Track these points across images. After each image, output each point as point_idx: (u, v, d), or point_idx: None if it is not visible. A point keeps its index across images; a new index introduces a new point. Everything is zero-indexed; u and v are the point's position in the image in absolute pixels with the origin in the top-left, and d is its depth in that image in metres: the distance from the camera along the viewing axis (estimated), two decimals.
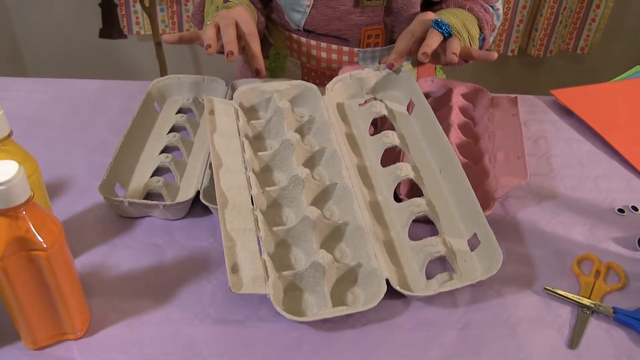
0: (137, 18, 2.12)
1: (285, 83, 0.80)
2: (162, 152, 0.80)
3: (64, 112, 0.92)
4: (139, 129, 0.82)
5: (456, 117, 0.83)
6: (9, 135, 0.58)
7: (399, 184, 0.72)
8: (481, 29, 0.90)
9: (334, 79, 0.82)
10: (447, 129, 0.80)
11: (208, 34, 0.78)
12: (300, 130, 0.77)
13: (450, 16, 0.86)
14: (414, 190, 0.73)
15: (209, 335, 0.59)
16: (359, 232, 0.65)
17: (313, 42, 0.97)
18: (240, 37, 0.82)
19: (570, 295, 0.64)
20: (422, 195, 0.71)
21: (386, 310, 0.61)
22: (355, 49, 0.97)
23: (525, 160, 0.78)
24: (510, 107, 0.92)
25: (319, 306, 0.60)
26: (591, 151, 0.89)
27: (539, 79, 2.32)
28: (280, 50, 1.02)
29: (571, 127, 0.94)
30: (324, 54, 0.98)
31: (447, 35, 0.80)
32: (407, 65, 0.99)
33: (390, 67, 0.82)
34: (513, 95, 0.95)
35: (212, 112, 0.75)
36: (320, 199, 0.71)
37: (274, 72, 1.04)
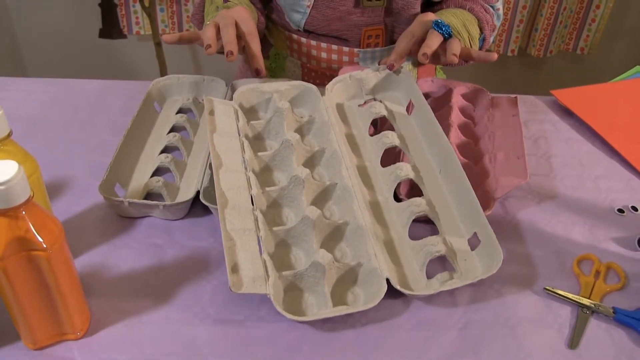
0: (137, 18, 2.12)
1: (285, 83, 0.80)
2: (162, 152, 0.80)
3: (64, 112, 0.92)
4: (139, 129, 0.82)
5: (456, 117, 0.83)
6: (9, 135, 0.58)
7: (399, 184, 0.72)
8: (481, 29, 0.90)
9: (334, 80, 0.82)
10: (447, 129, 0.80)
11: (208, 34, 0.78)
12: (300, 131, 0.77)
13: (450, 16, 0.86)
14: (414, 190, 0.73)
15: (209, 335, 0.59)
16: (359, 232, 0.65)
17: (313, 43, 0.97)
18: (240, 37, 0.82)
19: (570, 295, 0.64)
20: (422, 195, 0.71)
21: (386, 310, 0.61)
22: (356, 50, 0.97)
23: (525, 160, 0.78)
24: (510, 107, 0.92)
25: (319, 306, 0.60)
26: (591, 151, 0.89)
27: (539, 79, 2.32)
28: (280, 50, 1.02)
29: (571, 127, 0.94)
30: (324, 54, 0.98)
31: (447, 36, 0.80)
32: (407, 66, 0.99)
33: (391, 67, 0.82)
34: (513, 96, 0.95)
35: (212, 113, 0.75)
36: (320, 199, 0.71)
37: (274, 72, 1.04)
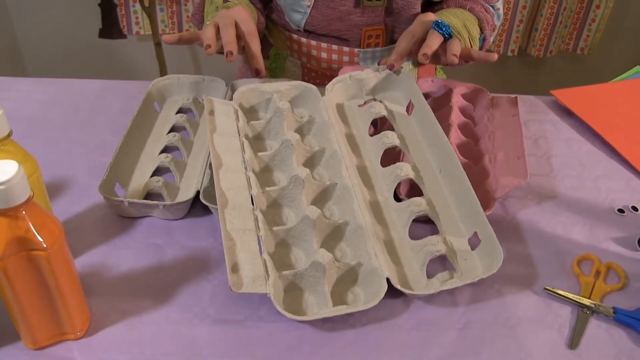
0: (136, 18, 2.12)
1: (285, 84, 0.80)
2: (162, 152, 0.80)
3: (64, 112, 0.92)
4: (138, 129, 0.82)
5: (456, 117, 0.83)
6: (9, 135, 0.58)
7: (399, 184, 0.72)
8: (482, 29, 0.90)
9: (334, 80, 0.82)
10: (447, 129, 0.80)
11: (207, 34, 0.78)
12: (300, 131, 0.77)
13: (450, 16, 0.86)
14: (414, 190, 0.74)
15: (209, 335, 0.59)
16: (359, 232, 0.65)
17: (313, 43, 0.97)
18: (239, 37, 0.82)
19: (570, 295, 0.64)
20: (422, 195, 0.71)
21: (386, 310, 0.61)
22: (356, 49, 0.97)
23: (525, 160, 0.78)
24: (510, 107, 0.92)
25: (319, 306, 0.60)
26: (591, 151, 0.89)
27: (539, 79, 2.32)
28: (280, 50, 1.02)
29: (571, 127, 0.94)
30: (324, 54, 0.98)
31: (448, 37, 0.80)
32: (407, 66, 0.99)
33: (391, 67, 0.82)
34: (513, 96, 0.95)
35: (212, 113, 0.75)
36: (320, 199, 0.71)
37: (274, 72, 1.04)
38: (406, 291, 0.60)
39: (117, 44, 2.22)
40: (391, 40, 0.98)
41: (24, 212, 0.48)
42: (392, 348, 0.58)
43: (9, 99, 0.94)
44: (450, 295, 0.64)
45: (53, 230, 0.50)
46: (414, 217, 0.68)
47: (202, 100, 0.91)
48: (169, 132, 0.83)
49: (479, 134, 0.84)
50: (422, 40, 0.81)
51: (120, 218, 0.72)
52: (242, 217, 0.64)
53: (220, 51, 0.79)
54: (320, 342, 0.58)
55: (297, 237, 0.66)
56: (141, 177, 0.76)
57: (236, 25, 0.81)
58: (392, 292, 0.60)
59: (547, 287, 0.65)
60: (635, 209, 0.77)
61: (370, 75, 0.83)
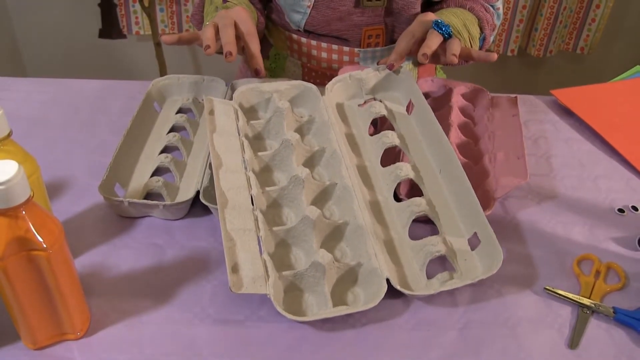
0: (136, 18, 2.12)
1: (284, 83, 0.80)
2: (162, 152, 0.80)
3: (64, 112, 0.92)
4: (138, 129, 0.82)
5: (456, 117, 0.83)
6: (9, 135, 0.58)
7: (399, 184, 0.72)
8: (482, 29, 0.90)
9: (334, 79, 0.82)
10: (447, 129, 0.80)
11: (207, 35, 0.78)
12: (300, 131, 0.77)
13: (450, 16, 0.86)
14: (414, 190, 0.73)
15: (209, 335, 0.59)
16: (359, 232, 0.65)
17: (313, 43, 0.97)
18: (239, 37, 0.82)
19: (570, 295, 0.64)
20: (422, 195, 0.71)
21: (386, 310, 0.61)
22: (356, 49, 0.97)
23: (525, 160, 0.78)
24: (510, 107, 0.92)
25: (319, 306, 0.60)
26: (591, 151, 0.89)
27: (539, 79, 2.32)
28: (280, 50, 1.02)
29: (571, 127, 0.94)
30: (324, 54, 0.98)
31: (447, 36, 0.80)
32: (407, 66, 0.99)
33: (391, 67, 0.82)
34: (513, 95, 0.95)
35: (211, 112, 0.75)
36: (320, 199, 0.71)
37: (274, 72, 1.04)
38: (406, 292, 0.60)
39: (117, 44, 2.22)
40: (391, 40, 0.98)
41: (24, 212, 0.48)
42: (392, 348, 0.58)
43: (8, 99, 0.94)
44: (450, 296, 0.64)
45: (53, 231, 0.50)
46: (414, 217, 0.68)
47: (202, 100, 0.91)
48: (169, 132, 0.83)
49: (479, 133, 0.84)
50: (421, 40, 0.81)
51: (120, 218, 0.72)
52: (242, 217, 0.64)
53: (220, 51, 0.79)
54: (320, 343, 0.58)
55: (297, 237, 0.66)
56: (141, 177, 0.76)
57: (235, 26, 0.81)
58: (392, 292, 0.60)
59: (547, 287, 0.65)
60: (635, 208, 0.77)
61: (370, 75, 0.83)
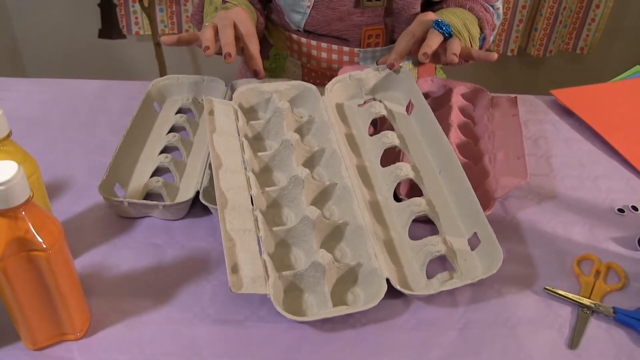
0: (136, 18, 2.12)
1: (284, 83, 0.80)
2: (162, 152, 0.80)
3: (64, 112, 0.92)
4: (138, 129, 0.82)
5: (456, 117, 0.83)
6: (9, 135, 0.58)
7: (398, 184, 0.72)
8: (482, 29, 0.90)
9: (334, 80, 0.82)
10: (446, 129, 0.80)
11: (206, 36, 0.78)
12: (300, 131, 0.77)
13: (450, 16, 0.86)
14: (413, 190, 0.73)
15: (209, 335, 0.59)
16: (359, 232, 0.65)
17: (313, 43, 0.97)
18: (238, 38, 0.81)
19: (570, 295, 0.64)
20: (422, 195, 0.71)
21: (386, 310, 0.61)
22: (356, 49, 0.96)
23: (525, 160, 0.78)
24: (510, 107, 0.92)
25: (319, 306, 0.60)
26: (591, 151, 0.89)
27: (539, 78, 2.32)
28: (280, 50, 1.02)
29: (571, 127, 0.94)
30: (324, 54, 0.98)
31: (448, 36, 0.80)
32: (407, 65, 0.99)
33: (391, 67, 0.82)
34: (513, 95, 0.95)
35: (211, 113, 0.75)
36: (320, 199, 0.71)
37: (274, 72, 1.04)
38: (406, 292, 0.60)
39: (116, 44, 2.22)
40: (391, 40, 0.98)
41: (23, 213, 0.48)
42: (392, 348, 0.58)
43: (8, 99, 0.94)
44: (450, 296, 0.64)
45: (53, 231, 0.50)
46: (413, 217, 0.68)
47: (202, 100, 0.91)
48: (169, 132, 0.83)
49: (479, 133, 0.84)
50: (422, 40, 0.81)
51: (120, 218, 0.72)
52: (242, 217, 0.64)
53: (219, 52, 0.79)
54: (320, 343, 0.58)
55: (297, 238, 0.66)
56: (141, 177, 0.76)
57: (235, 27, 0.81)
58: (392, 292, 0.60)
59: (547, 287, 0.65)
60: (635, 208, 0.77)
61: (370, 75, 0.83)
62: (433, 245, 0.64)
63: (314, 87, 0.80)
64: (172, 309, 0.61)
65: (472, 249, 0.66)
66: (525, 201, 0.78)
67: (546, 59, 2.24)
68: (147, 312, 0.60)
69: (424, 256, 0.64)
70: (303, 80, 1.00)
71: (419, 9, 0.94)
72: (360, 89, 0.83)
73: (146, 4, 2.02)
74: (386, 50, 0.97)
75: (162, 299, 0.62)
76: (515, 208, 0.76)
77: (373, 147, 0.76)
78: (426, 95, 0.90)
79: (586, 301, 0.63)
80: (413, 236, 0.67)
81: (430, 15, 0.83)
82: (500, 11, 0.97)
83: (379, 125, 0.85)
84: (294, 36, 0.98)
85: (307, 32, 0.97)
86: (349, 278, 0.63)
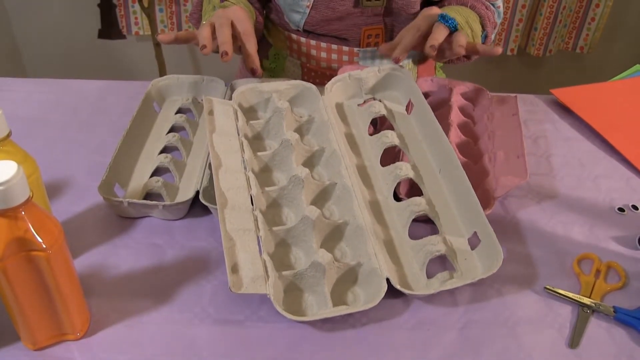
0: (136, 18, 2.12)
1: (284, 83, 0.80)
2: (162, 152, 0.80)
3: (63, 112, 0.91)
4: (138, 129, 0.82)
5: (456, 116, 0.83)
6: (8, 135, 0.58)
7: (398, 184, 0.72)
8: (483, 26, 0.90)
9: (333, 79, 0.82)
10: (446, 128, 0.79)
11: (203, 34, 0.78)
12: (300, 130, 0.77)
13: (453, 13, 0.85)
14: (413, 189, 0.73)
15: (209, 335, 0.59)
16: (359, 232, 0.65)
17: (313, 42, 0.97)
18: (236, 36, 0.81)
19: (570, 295, 0.64)
20: (422, 194, 0.71)
21: (386, 310, 0.61)
22: (355, 49, 0.96)
23: (525, 159, 0.78)
24: (510, 107, 0.91)
25: (319, 306, 0.60)
26: (591, 150, 0.89)
27: (539, 78, 2.32)
28: (280, 50, 1.02)
29: (571, 127, 0.94)
30: (323, 54, 0.98)
31: (453, 29, 0.80)
32: (407, 65, 0.99)
33: (396, 61, 0.82)
34: (513, 95, 0.95)
35: (211, 113, 0.75)
36: (320, 199, 0.71)
37: (274, 72, 1.04)
38: (406, 291, 0.60)
39: (116, 45, 2.22)
40: (391, 39, 0.98)
41: (23, 213, 0.48)
42: (392, 348, 0.58)
43: (8, 100, 0.94)
44: (450, 295, 0.64)
45: (52, 231, 0.50)
46: (413, 217, 0.68)
47: (202, 100, 0.91)
48: (169, 132, 0.83)
49: (479, 133, 0.84)
50: (427, 35, 0.81)
51: (120, 218, 0.72)
52: (242, 217, 0.64)
53: (217, 51, 0.79)
54: (320, 342, 0.58)
55: (297, 237, 0.66)
56: (140, 177, 0.76)
57: (232, 25, 0.81)
58: (392, 292, 0.60)
59: (547, 287, 0.65)
60: (635, 207, 0.77)
61: (370, 75, 0.83)
62: (433, 244, 0.64)
63: (313, 86, 0.80)
64: (172, 309, 0.61)
65: (472, 248, 0.66)
66: (525, 200, 0.77)
67: (546, 58, 2.24)
68: (147, 312, 0.60)
69: (424, 256, 0.64)
70: (303, 79, 1.00)
71: (418, 9, 0.94)
72: (360, 89, 0.83)
73: (146, 4, 2.02)
74: (381, 55, 0.97)
75: (162, 299, 0.62)
76: (515, 207, 0.76)
77: (373, 146, 0.76)
78: (426, 95, 0.90)
79: (586, 300, 0.63)
80: (413, 236, 0.67)
81: (435, 10, 0.83)
82: (501, 9, 0.97)
83: (378, 124, 0.85)
84: (294, 36, 0.98)
85: (307, 32, 0.97)
86: (349, 278, 0.63)
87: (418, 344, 0.58)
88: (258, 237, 0.63)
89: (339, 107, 0.82)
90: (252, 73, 0.83)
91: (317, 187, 0.70)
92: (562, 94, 1.00)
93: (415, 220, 0.68)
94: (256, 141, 0.77)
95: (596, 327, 0.61)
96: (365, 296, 0.62)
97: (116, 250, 0.67)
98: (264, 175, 0.74)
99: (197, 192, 0.71)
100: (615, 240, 0.72)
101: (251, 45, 0.83)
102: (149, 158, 0.79)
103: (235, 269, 0.59)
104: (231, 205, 0.65)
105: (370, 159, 0.76)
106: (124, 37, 2.19)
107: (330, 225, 0.66)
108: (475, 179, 0.71)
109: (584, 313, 0.62)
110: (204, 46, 0.77)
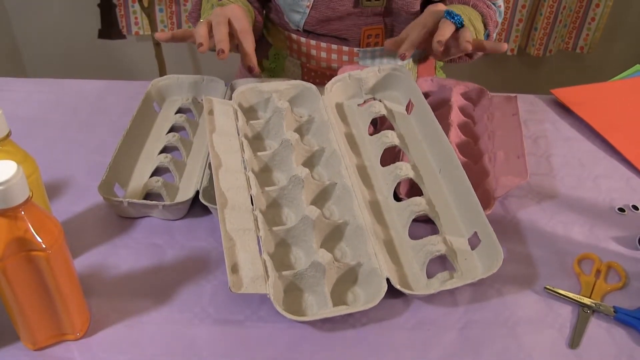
0: (135, 18, 2.12)
1: (284, 83, 0.80)
2: (162, 152, 0.80)
3: (63, 112, 0.91)
4: (138, 129, 0.82)
5: (456, 116, 0.83)
6: (8, 135, 0.58)
7: (398, 184, 0.72)
8: (485, 25, 0.90)
9: (333, 79, 0.82)
10: (446, 128, 0.79)
11: (200, 32, 0.78)
12: (300, 130, 0.77)
13: (457, 11, 0.85)
14: (413, 189, 0.73)
15: (209, 335, 0.58)
16: (359, 232, 0.65)
17: (313, 42, 0.97)
18: (233, 35, 0.81)
19: (570, 295, 0.64)
20: (422, 194, 0.71)
21: (386, 310, 0.61)
22: (355, 49, 0.96)
23: (525, 159, 0.78)
24: (510, 107, 0.91)
25: (319, 306, 0.60)
26: (591, 150, 0.89)
27: (539, 78, 2.32)
28: (279, 50, 1.02)
29: (571, 127, 0.94)
30: (323, 54, 0.98)
31: (460, 25, 0.80)
32: (407, 65, 0.99)
33: (403, 57, 0.82)
34: (513, 95, 0.95)
35: (211, 112, 0.75)
36: (320, 199, 0.71)
37: (274, 72, 1.04)
38: (406, 291, 0.60)
39: (116, 44, 2.22)
40: None
41: (23, 213, 0.48)
42: (392, 348, 0.58)
43: (8, 100, 0.94)
44: (450, 295, 0.64)
45: (52, 231, 0.50)
46: (413, 217, 0.68)
47: (202, 100, 0.91)
48: (169, 132, 0.83)
49: (479, 133, 0.84)
50: (433, 31, 0.81)
51: (120, 218, 0.72)
52: (242, 217, 0.64)
53: (214, 49, 0.79)
54: (320, 342, 0.58)
55: (297, 237, 0.66)
56: (140, 177, 0.76)
57: (230, 23, 0.81)
58: (392, 292, 0.60)
59: (548, 287, 0.65)
60: (635, 208, 0.77)
61: (370, 75, 0.83)
62: (433, 244, 0.64)
63: (313, 86, 0.80)
64: (172, 309, 0.61)
65: (472, 248, 0.66)
66: (525, 201, 0.77)
67: (546, 58, 2.24)
68: (147, 312, 0.60)
69: (424, 256, 0.64)
70: (303, 79, 1.00)
71: (418, 8, 0.94)
72: (360, 89, 0.83)
73: (146, 4, 2.02)
74: (386, 50, 0.97)
75: (162, 299, 0.62)
76: (515, 207, 0.76)
77: (373, 146, 0.76)
78: (426, 95, 0.90)
79: (587, 300, 0.63)
80: (413, 236, 0.67)
81: (441, 6, 0.83)
82: (502, 8, 0.97)
83: (378, 124, 0.85)
84: (294, 36, 0.98)
85: (307, 32, 0.96)
86: (349, 278, 0.63)
87: (418, 344, 0.58)
88: (258, 237, 0.63)
89: (339, 107, 0.82)
90: (249, 71, 0.83)
91: (317, 187, 0.70)
92: (562, 94, 1.00)
93: (415, 220, 0.68)
94: (256, 141, 0.77)
95: (596, 327, 0.61)
96: (365, 296, 0.62)
97: (116, 250, 0.67)
98: (264, 175, 0.74)
99: (197, 192, 0.71)
100: (615, 240, 0.72)
101: (248, 44, 0.83)
102: (149, 158, 0.79)
103: (235, 269, 0.59)
104: (231, 205, 0.65)
105: (370, 159, 0.76)
106: (124, 37, 2.19)
107: (330, 225, 0.66)
108: (475, 179, 0.71)
109: (584, 313, 0.62)
110: (201, 44, 0.77)
